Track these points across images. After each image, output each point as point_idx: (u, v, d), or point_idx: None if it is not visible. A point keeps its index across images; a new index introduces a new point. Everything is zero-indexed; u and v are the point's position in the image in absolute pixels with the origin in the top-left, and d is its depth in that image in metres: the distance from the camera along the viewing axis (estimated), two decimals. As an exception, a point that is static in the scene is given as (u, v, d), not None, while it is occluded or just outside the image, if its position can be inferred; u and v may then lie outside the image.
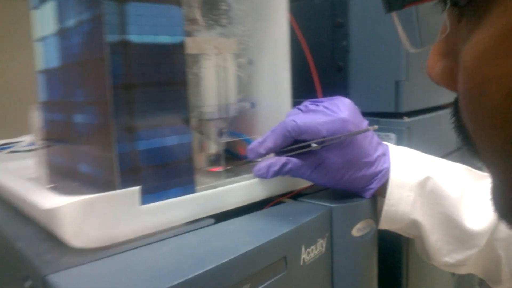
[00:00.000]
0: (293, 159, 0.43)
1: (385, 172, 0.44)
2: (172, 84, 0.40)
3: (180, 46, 0.40)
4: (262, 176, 0.43)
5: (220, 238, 0.36)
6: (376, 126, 0.42)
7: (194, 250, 0.33)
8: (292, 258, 0.37)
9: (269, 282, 0.35)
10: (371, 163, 0.44)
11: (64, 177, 0.48)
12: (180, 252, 0.33)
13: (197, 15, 0.46)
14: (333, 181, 0.44)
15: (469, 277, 0.78)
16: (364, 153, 0.43)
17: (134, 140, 0.38)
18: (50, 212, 0.33)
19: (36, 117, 0.54)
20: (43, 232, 0.38)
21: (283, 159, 0.43)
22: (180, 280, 0.28)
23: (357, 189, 0.45)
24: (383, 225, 0.46)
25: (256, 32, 0.51)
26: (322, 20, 0.60)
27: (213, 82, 0.47)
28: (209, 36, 0.49)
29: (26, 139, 0.58)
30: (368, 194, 0.45)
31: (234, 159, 0.57)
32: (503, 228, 0.46)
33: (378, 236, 0.48)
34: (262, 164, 0.44)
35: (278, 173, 0.43)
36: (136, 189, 0.35)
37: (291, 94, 0.51)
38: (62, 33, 0.43)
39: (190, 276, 0.29)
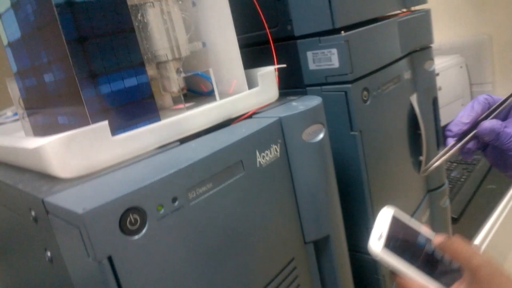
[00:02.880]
0: None
1: None
2: (119, 32, 0.45)
3: (122, -3, 0.45)
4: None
5: (183, 152, 0.43)
6: None
7: (162, 164, 0.40)
8: (248, 161, 0.44)
9: (229, 181, 0.42)
10: None
11: (50, 134, 0.54)
12: (149, 166, 0.40)
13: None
14: None
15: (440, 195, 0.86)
16: None
17: (97, 85, 0.44)
18: (37, 150, 0.40)
19: (14, 88, 0.60)
20: (37, 176, 0.44)
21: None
22: (148, 182, 0.35)
23: None
24: None
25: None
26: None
27: (161, 26, 0.52)
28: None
29: (8, 111, 0.64)
30: None
31: (198, 96, 0.64)
32: None
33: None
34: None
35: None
36: (105, 123, 0.42)
37: (234, 30, 0.56)
38: (16, 6, 0.48)
39: (157, 178, 0.36)
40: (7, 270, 0.66)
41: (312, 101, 0.54)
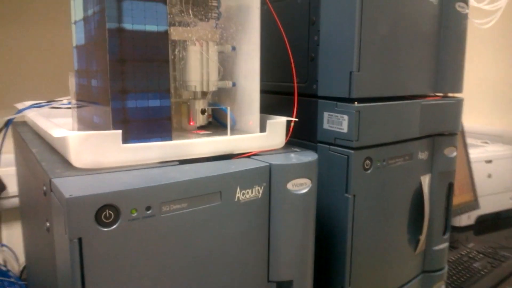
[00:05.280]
0: None
1: None
2: (156, 61, 0.54)
3: (164, 33, 0.54)
4: None
5: (174, 171, 0.50)
6: None
7: (152, 176, 0.48)
8: (226, 194, 0.51)
9: (204, 206, 0.49)
10: None
11: (86, 128, 0.65)
12: (141, 175, 0.48)
13: (186, 10, 0.60)
14: None
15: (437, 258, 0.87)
16: None
17: (125, 100, 0.53)
18: (61, 140, 0.49)
19: (72, 82, 0.71)
20: (61, 160, 0.54)
21: None
22: (128, 187, 0.43)
23: None
24: None
25: (236, 26, 0.65)
26: (300, 17, 0.72)
27: (196, 62, 0.61)
28: (205, 25, 0.64)
29: (65, 99, 0.75)
30: None
31: (220, 126, 0.71)
32: None
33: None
34: None
35: None
36: (119, 131, 0.50)
37: (260, 77, 0.63)
38: (85, 19, 0.59)
39: (136, 187, 0.43)
40: (27, 230, 0.77)
41: (307, 157, 0.59)
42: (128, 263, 0.44)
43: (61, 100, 0.75)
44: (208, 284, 0.51)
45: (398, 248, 0.79)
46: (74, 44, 0.67)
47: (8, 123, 0.76)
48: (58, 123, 0.72)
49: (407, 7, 0.70)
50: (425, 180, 0.80)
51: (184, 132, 0.66)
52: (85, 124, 0.65)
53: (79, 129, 0.68)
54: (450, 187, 0.86)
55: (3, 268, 1.04)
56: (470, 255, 1.38)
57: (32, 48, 1.05)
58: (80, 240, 0.41)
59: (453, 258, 1.31)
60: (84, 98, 0.64)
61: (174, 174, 0.49)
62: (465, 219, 1.54)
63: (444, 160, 0.83)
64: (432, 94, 0.81)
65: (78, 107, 0.69)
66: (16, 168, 0.90)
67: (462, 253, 1.38)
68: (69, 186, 0.43)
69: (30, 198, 0.68)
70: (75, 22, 0.65)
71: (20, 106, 0.82)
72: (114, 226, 0.42)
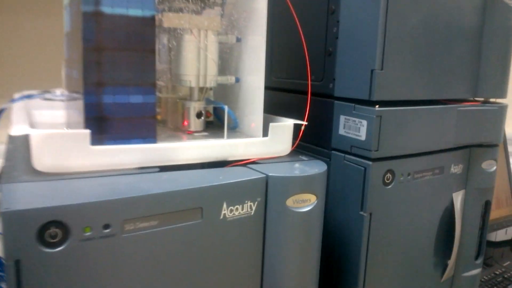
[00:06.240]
0: None
1: None
2: (139, 51, 0.47)
3: (150, 19, 0.47)
4: None
5: (147, 181, 0.43)
6: None
7: (118, 186, 0.41)
8: (209, 210, 0.43)
9: (180, 225, 0.41)
10: None
11: (75, 124, 0.58)
12: (107, 185, 0.41)
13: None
14: None
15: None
16: None
17: (101, 94, 0.46)
18: (22, 139, 0.43)
19: (63, 72, 0.65)
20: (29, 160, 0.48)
21: None
22: (80, 202, 0.36)
23: None
24: None
25: (240, 13, 0.56)
26: (318, 6, 0.62)
27: (192, 54, 0.53)
28: (210, 13, 0.56)
29: (58, 90, 0.70)
30: None
31: (223, 127, 0.63)
32: None
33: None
34: None
35: None
36: (87, 131, 0.43)
37: (265, 72, 0.55)
38: (70, 4, 0.52)
39: (90, 200, 0.36)
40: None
41: (313, 169, 0.51)
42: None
43: (55, 91, 0.70)
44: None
45: (421, 274, 0.69)
46: (65, 31, 0.61)
47: (-2, 113, 0.71)
48: (50, 117, 0.66)
49: (444, -4, 0.59)
50: (458, 198, 0.69)
51: (178, 132, 0.58)
52: (69, 119, 0.59)
53: (68, 125, 0.62)
54: (487, 205, 0.75)
55: None
56: (505, 275, 1.24)
57: (41, 35, 1.01)
58: (17, 262, 0.34)
59: (486, 278, 1.18)
60: (70, 89, 0.58)
61: (145, 184, 0.42)
62: (502, 234, 1.40)
63: (481, 175, 0.71)
64: (471, 99, 0.70)
65: (67, 100, 0.63)
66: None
67: (497, 272, 1.24)
68: (14, 196, 0.36)
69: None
70: (65, 7, 0.59)
71: (18, 96, 0.77)
72: (61, 247, 0.35)
